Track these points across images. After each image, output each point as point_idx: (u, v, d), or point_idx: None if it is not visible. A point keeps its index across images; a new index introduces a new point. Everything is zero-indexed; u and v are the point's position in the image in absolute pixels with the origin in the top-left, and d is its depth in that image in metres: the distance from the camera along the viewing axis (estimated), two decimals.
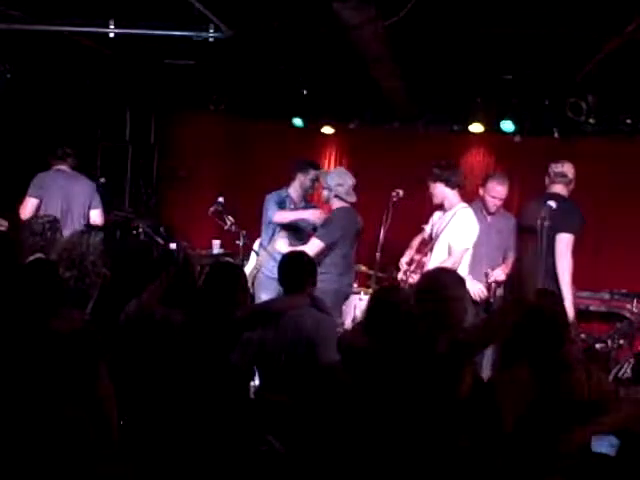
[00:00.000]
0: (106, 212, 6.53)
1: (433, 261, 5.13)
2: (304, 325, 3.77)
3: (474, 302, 5.07)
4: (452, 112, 7.66)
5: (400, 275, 5.32)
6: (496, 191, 5.33)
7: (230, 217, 6.44)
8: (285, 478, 3.16)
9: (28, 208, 5.87)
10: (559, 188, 5.51)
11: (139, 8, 5.03)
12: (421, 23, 4.77)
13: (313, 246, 5.37)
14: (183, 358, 3.51)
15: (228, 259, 7.48)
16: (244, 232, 6.53)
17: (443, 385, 3.07)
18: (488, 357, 4.93)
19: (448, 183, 5.21)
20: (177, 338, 3.54)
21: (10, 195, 6.15)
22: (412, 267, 5.31)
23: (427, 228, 5.55)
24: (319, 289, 5.14)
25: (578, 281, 5.85)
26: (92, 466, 2.80)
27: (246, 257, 6.61)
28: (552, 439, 2.84)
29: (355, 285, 6.97)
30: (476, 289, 5.16)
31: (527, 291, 4.85)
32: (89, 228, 5.74)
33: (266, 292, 5.63)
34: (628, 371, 5.66)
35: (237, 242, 6.64)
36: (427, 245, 5.34)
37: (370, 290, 6.21)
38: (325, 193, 5.64)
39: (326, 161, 8.57)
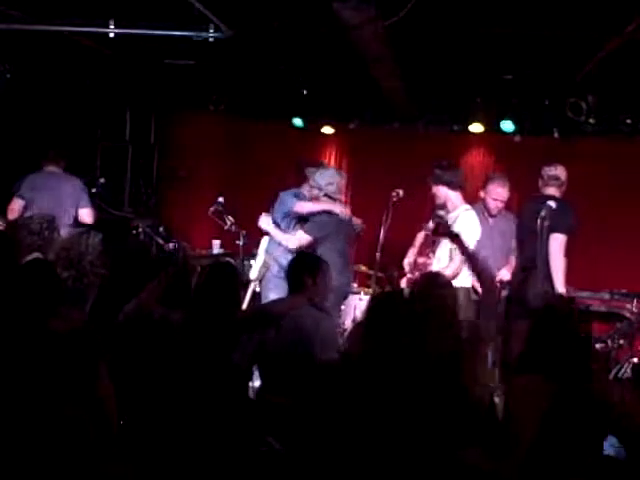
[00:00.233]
0: (102, 212, 6.54)
1: (435, 265, 5.13)
2: (303, 325, 3.78)
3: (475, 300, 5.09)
4: (452, 112, 7.66)
5: (409, 275, 5.29)
6: (497, 193, 5.32)
7: (230, 217, 6.45)
8: (285, 478, 3.15)
9: (15, 209, 5.93)
10: (552, 190, 5.53)
11: (139, 8, 5.03)
12: (421, 23, 4.77)
13: (299, 238, 5.46)
14: (182, 358, 3.51)
15: (228, 259, 7.49)
16: (244, 232, 6.54)
17: (448, 387, 3.06)
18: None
19: (450, 185, 5.20)
20: (176, 338, 3.54)
21: (10, 195, 6.16)
22: (417, 270, 5.29)
23: (430, 225, 5.52)
24: None
25: (578, 281, 5.86)
26: (92, 466, 2.80)
27: (246, 257, 6.62)
28: (569, 451, 2.80)
29: (355, 285, 6.98)
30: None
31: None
32: (88, 228, 5.76)
33: (274, 292, 5.60)
34: (628, 371, 5.66)
35: (237, 242, 6.64)
36: (428, 246, 5.33)
37: (370, 290, 6.21)
38: (315, 192, 5.65)
39: (326, 161, 8.56)
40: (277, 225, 5.86)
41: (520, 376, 3.02)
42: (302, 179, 6.05)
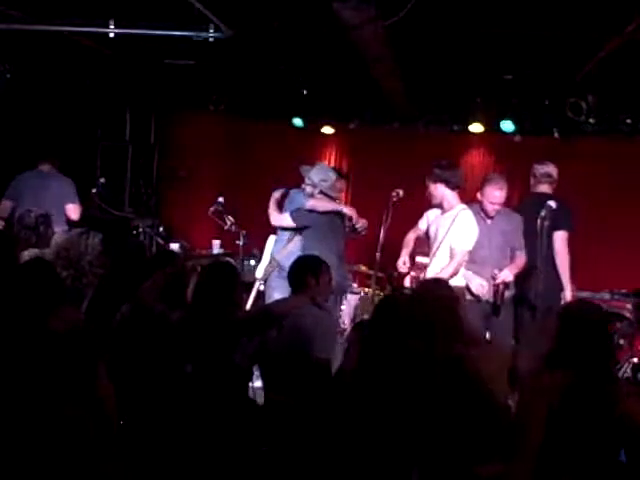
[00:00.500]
0: (102, 212, 6.54)
1: (436, 264, 5.13)
2: (304, 324, 3.79)
3: (477, 299, 5.09)
4: (452, 112, 7.66)
5: (413, 273, 5.27)
6: (494, 197, 5.23)
7: (230, 217, 6.45)
8: (284, 478, 3.16)
9: (2, 209, 5.99)
10: (545, 188, 5.64)
11: (139, 8, 5.03)
12: (421, 23, 4.76)
13: (283, 219, 5.65)
14: (181, 357, 3.51)
15: (229, 259, 7.49)
16: (244, 232, 6.54)
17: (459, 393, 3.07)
18: None
19: (449, 184, 5.19)
20: (175, 337, 3.54)
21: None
22: (417, 269, 5.28)
23: (421, 225, 5.53)
24: None
25: (578, 281, 5.85)
26: (92, 465, 2.80)
27: (246, 257, 6.62)
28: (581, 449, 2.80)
29: (355, 285, 6.99)
30: (476, 284, 5.14)
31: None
32: (87, 228, 5.78)
33: (278, 291, 5.61)
34: (628, 371, 5.66)
35: (237, 242, 6.64)
36: (424, 244, 5.33)
37: (370, 290, 6.22)
38: (309, 189, 5.66)
39: (326, 161, 8.56)
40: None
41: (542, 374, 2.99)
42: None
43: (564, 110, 6.82)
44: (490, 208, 5.26)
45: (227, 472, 3.24)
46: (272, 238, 6.02)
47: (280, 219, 5.76)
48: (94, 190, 6.71)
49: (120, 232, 7.63)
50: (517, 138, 7.54)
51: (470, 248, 5.08)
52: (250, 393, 4.00)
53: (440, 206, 5.28)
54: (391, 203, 5.56)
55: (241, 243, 6.56)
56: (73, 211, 6.21)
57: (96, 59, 6.84)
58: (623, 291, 6.64)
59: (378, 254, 5.58)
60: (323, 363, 3.77)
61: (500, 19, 4.97)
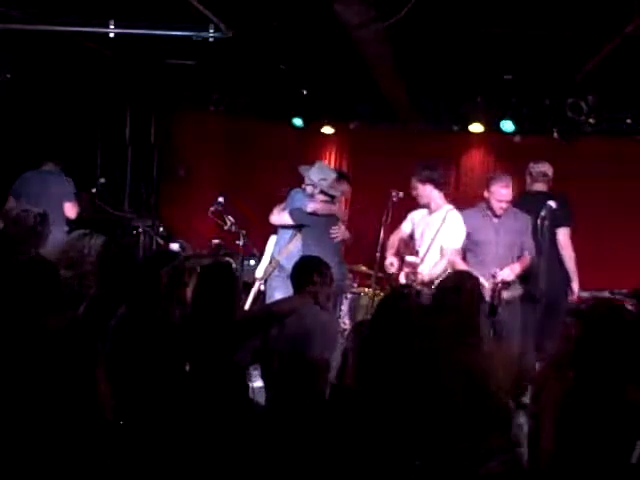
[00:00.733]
0: (102, 212, 6.55)
1: (427, 263, 5.16)
2: (305, 324, 3.79)
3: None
4: (452, 112, 7.66)
5: (406, 269, 5.26)
6: (501, 194, 5.22)
7: (230, 217, 6.45)
8: (283, 477, 3.15)
9: (7, 206, 5.94)
10: (541, 186, 5.72)
11: (139, 8, 5.03)
12: (421, 23, 4.77)
13: (282, 218, 5.69)
14: (180, 358, 3.50)
15: (228, 259, 7.49)
16: (244, 232, 6.54)
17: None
18: None
19: (437, 184, 5.28)
20: (175, 337, 3.53)
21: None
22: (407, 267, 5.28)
23: (405, 227, 5.56)
24: None
25: (578, 281, 5.86)
26: (92, 464, 2.81)
27: (246, 257, 6.62)
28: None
29: (355, 285, 6.98)
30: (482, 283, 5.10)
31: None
32: (91, 230, 5.81)
33: (279, 290, 5.62)
34: None
35: (237, 242, 6.64)
36: (412, 246, 5.34)
37: (370, 290, 6.21)
38: (309, 189, 5.69)
39: (326, 161, 8.56)
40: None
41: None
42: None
43: (564, 110, 6.82)
44: (497, 206, 5.23)
45: (227, 472, 3.23)
46: (273, 238, 6.03)
47: (279, 218, 5.79)
48: (94, 190, 6.70)
49: (120, 232, 7.64)
50: (517, 138, 7.54)
51: (459, 246, 5.17)
52: (250, 393, 4.01)
53: (427, 206, 5.34)
54: (391, 203, 5.57)
55: (241, 243, 6.56)
56: (70, 209, 6.28)
57: (96, 59, 6.84)
58: (623, 291, 6.63)
59: (378, 254, 5.58)
60: (324, 363, 3.78)
61: (500, 19, 4.98)
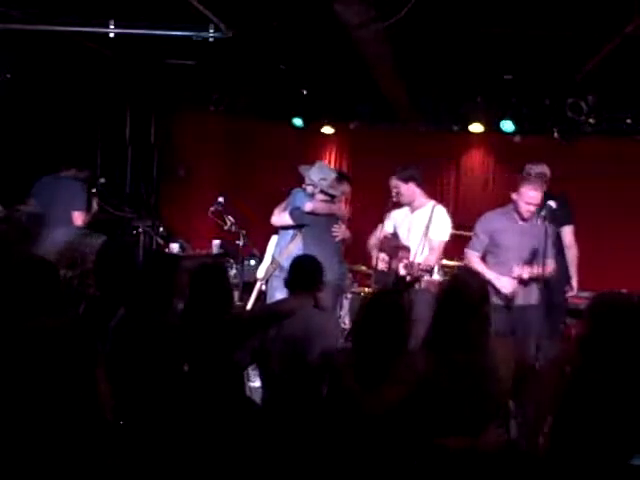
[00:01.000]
0: (102, 212, 6.59)
1: (421, 258, 5.22)
2: (303, 325, 3.78)
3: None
4: (452, 112, 7.65)
5: (405, 260, 5.27)
6: (529, 197, 5.14)
7: (230, 217, 6.45)
8: (281, 477, 3.15)
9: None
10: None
11: (139, 8, 5.03)
12: (421, 23, 4.76)
13: (282, 218, 5.76)
14: (178, 358, 3.50)
15: (228, 259, 7.49)
16: (244, 232, 6.55)
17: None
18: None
19: (418, 182, 5.42)
20: (171, 338, 3.53)
21: (9, 194, 6.16)
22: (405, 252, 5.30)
23: (388, 227, 5.59)
24: None
25: (578, 281, 5.86)
26: (92, 464, 2.81)
27: (246, 257, 6.62)
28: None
29: (355, 285, 6.99)
30: (503, 283, 5.09)
31: None
32: (91, 230, 5.87)
33: (280, 291, 5.62)
34: None
35: (237, 242, 6.65)
36: (398, 244, 5.38)
37: (370, 290, 6.22)
38: (309, 189, 5.72)
39: (326, 161, 8.56)
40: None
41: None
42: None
43: (564, 110, 6.82)
44: (525, 209, 5.16)
45: (225, 472, 3.24)
46: (274, 238, 6.04)
47: (280, 219, 5.82)
48: (94, 190, 6.72)
49: (120, 232, 7.64)
50: (517, 138, 7.54)
51: (447, 239, 5.37)
52: (248, 393, 4.01)
53: (409, 204, 5.46)
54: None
55: (241, 243, 6.57)
56: (77, 218, 6.30)
57: (96, 59, 6.84)
58: (623, 291, 6.63)
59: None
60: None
61: (500, 19, 4.97)
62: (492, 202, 8.19)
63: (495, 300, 5.04)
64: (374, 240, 5.63)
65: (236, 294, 6.90)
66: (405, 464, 3.06)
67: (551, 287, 5.29)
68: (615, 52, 5.13)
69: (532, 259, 5.18)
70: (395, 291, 4.34)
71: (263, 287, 5.99)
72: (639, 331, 2.86)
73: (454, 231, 7.25)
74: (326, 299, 5.09)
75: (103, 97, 7.88)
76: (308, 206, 5.67)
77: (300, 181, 5.91)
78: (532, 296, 5.11)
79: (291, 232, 5.85)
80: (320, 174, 5.72)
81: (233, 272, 7.21)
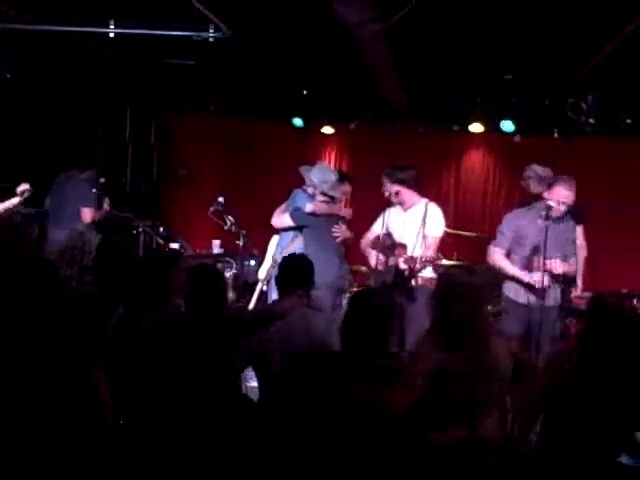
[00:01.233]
0: None
1: (418, 249, 5.27)
2: (299, 325, 3.77)
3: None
4: (452, 112, 7.65)
5: (405, 256, 5.28)
6: (562, 196, 5.09)
7: (230, 217, 6.45)
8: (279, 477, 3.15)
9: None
10: (541, 189, 5.62)
11: (139, 8, 5.03)
12: (421, 23, 4.76)
13: (283, 220, 5.78)
14: (177, 358, 3.49)
15: (229, 259, 7.49)
16: (244, 232, 6.54)
17: None
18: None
19: (408, 185, 5.46)
20: (169, 338, 3.52)
21: (8, 194, 6.16)
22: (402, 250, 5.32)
23: (377, 227, 5.60)
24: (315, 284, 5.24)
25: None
26: (91, 464, 2.81)
27: (246, 257, 6.61)
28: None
29: (355, 285, 6.98)
30: (535, 278, 5.05)
31: None
32: (87, 228, 5.89)
33: None
34: None
35: (237, 242, 6.65)
36: (394, 242, 5.40)
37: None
38: (310, 190, 5.74)
39: (326, 161, 8.56)
40: None
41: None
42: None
43: (564, 110, 6.82)
44: (555, 209, 5.10)
45: (226, 472, 3.24)
46: (275, 239, 6.04)
47: (280, 221, 5.83)
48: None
49: (120, 232, 7.63)
50: (517, 138, 7.54)
51: (441, 236, 5.41)
52: (244, 390, 4.00)
53: (400, 204, 5.50)
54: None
55: (241, 243, 6.56)
56: (85, 214, 6.44)
57: (96, 59, 6.84)
58: (623, 291, 6.63)
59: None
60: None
61: (500, 19, 4.97)
62: (492, 202, 8.25)
63: (519, 298, 5.09)
64: (366, 241, 5.67)
65: (236, 294, 6.91)
66: (405, 464, 3.06)
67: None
68: (615, 52, 5.13)
69: (559, 257, 5.18)
70: (381, 289, 4.32)
71: (264, 287, 5.99)
72: (634, 332, 2.87)
73: (454, 231, 7.30)
74: (326, 299, 5.12)
75: (103, 97, 7.88)
76: (309, 207, 5.69)
77: (300, 181, 5.92)
78: (552, 297, 5.13)
79: (292, 232, 5.86)
80: (321, 176, 5.72)
81: (233, 272, 7.20)
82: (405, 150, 7.89)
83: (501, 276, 5.39)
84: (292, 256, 4.40)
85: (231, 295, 6.61)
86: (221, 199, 6.40)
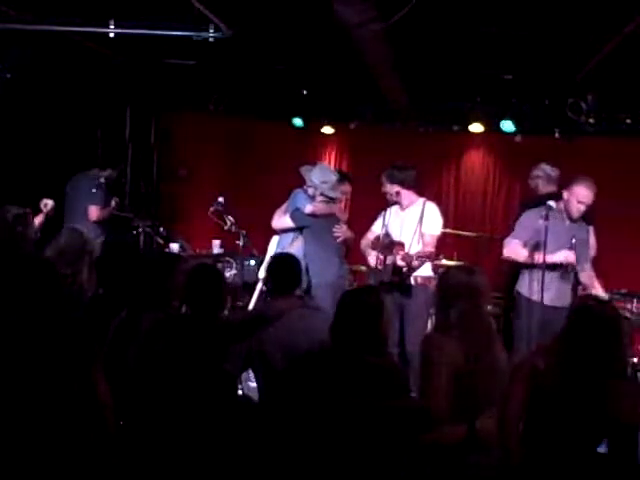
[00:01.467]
0: None
1: (415, 247, 5.30)
2: (300, 326, 3.76)
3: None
4: (452, 112, 7.65)
5: (402, 252, 5.29)
6: (584, 196, 5.08)
7: (230, 217, 6.45)
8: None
9: None
10: (552, 188, 5.79)
11: (139, 8, 5.03)
12: (421, 23, 4.77)
13: (283, 221, 5.80)
14: (172, 359, 3.48)
15: (229, 259, 7.49)
16: (244, 232, 6.54)
17: None
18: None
19: (405, 186, 5.49)
20: (167, 339, 3.51)
21: (8, 194, 6.16)
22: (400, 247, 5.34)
23: (377, 227, 5.63)
24: (315, 284, 5.25)
25: None
26: (91, 464, 2.81)
27: (246, 257, 6.61)
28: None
29: (355, 285, 6.98)
30: (562, 255, 5.05)
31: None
32: (90, 227, 5.92)
33: None
34: (628, 371, 5.66)
35: (237, 242, 6.65)
36: (392, 241, 5.42)
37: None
38: (310, 191, 5.75)
39: (326, 161, 8.56)
40: None
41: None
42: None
43: (564, 110, 6.82)
44: (575, 208, 5.12)
45: (226, 472, 3.24)
46: (275, 239, 6.05)
47: (281, 222, 5.84)
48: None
49: (120, 232, 7.64)
50: (517, 138, 7.54)
51: (439, 234, 5.46)
52: (247, 392, 3.99)
53: (397, 203, 5.55)
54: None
55: (241, 243, 6.56)
56: (92, 212, 6.59)
57: (96, 59, 6.84)
58: (623, 291, 6.63)
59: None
60: None
61: (500, 19, 4.97)
62: (492, 202, 8.24)
63: (533, 295, 5.07)
64: (365, 241, 5.69)
65: (236, 294, 6.90)
66: (405, 463, 3.07)
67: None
68: (615, 52, 5.13)
69: (580, 259, 5.17)
70: (370, 288, 4.31)
71: (264, 288, 5.99)
72: (609, 336, 2.91)
73: (454, 231, 7.30)
74: (326, 299, 5.13)
75: (103, 97, 7.88)
76: (308, 208, 5.70)
77: (300, 181, 5.92)
78: (566, 298, 5.13)
79: (292, 233, 5.86)
80: (321, 177, 5.73)
81: (233, 272, 7.21)
82: (405, 150, 7.88)
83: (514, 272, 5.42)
84: (284, 257, 4.36)
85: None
86: (221, 199, 6.41)
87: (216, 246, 8.04)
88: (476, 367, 3.16)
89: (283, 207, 5.95)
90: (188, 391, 3.37)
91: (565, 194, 5.20)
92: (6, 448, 2.69)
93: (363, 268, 6.96)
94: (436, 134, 7.95)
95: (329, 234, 5.72)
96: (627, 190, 7.28)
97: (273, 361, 3.72)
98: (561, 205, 5.21)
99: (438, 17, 4.97)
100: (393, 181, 5.52)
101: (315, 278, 5.61)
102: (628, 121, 6.93)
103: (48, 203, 5.74)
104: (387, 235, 5.51)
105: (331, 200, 5.79)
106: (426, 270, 5.32)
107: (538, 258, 5.05)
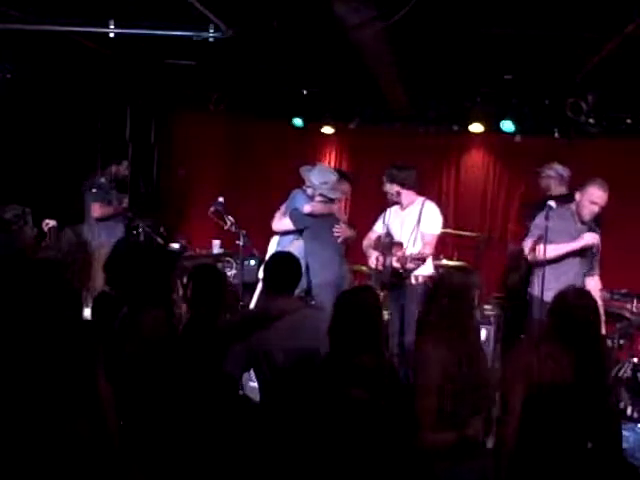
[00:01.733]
0: None
1: (411, 247, 5.34)
2: (303, 326, 3.76)
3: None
4: (452, 112, 7.65)
5: (398, 253, 5.30)
6: (598, 196, 5.06)
7: (230, 217, 6.45)
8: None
9: None
10: (564, 189, 5.91)
11: (139, 8, 5.02)
12: (421, 23, 4.76)
13: (283, 223, 5.86)
14: (171, 360, 3.49)
15: (229, 259, 7.49)
16: (244, 232, 6.54)
17: None
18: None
19: (405, 186, 5.53)
20: (166, 340, 3.52)
21: (8, 194, 6.16)
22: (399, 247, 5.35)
23: (378, 227, 5.65)
24: (316, 284, 5.26)
25: None
26: (91, 464, 2.81)
27: (246, 257, 6.61)
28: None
29: (355, 285, 6.98)
30: (590, 237, 5.07)
31: None
32: (92, 227, 5.96)
33: None
34: (628, 371, 5.66)
35: (237, 242, 6.65)
36: (392, 241, 5.45)
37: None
38: (310, 191, 5.76)
39: (326, 161, 8.56)
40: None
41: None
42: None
43: (564, 110, 6.81)
44: (587, 210, 5.09)
45: (226, 472, 3.24)
46: (275, 239, 6.05)
47: (280, 224, 5.86)
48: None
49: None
50: (517, 138, 7.54)
51: (438, 233, 5.50)
52: (249, 392, 3.99)
53: (398, 203, 5.59)
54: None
55: (241, 243, 6.56)
56: (95, 209, 6.75)
57: (96, 59, 6.83)
58: (623, 291, 6.64)
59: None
60: None
61: (500, 19, 4.97)
62: (492, 202, 8.24)
63: (547, 295, 5.05)
64: (367, 241, 5.69)
65: (236, 294, 6.90)
66: (398, 465, 3.07)
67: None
68: (615, 52, 5.13)
69: (586, 266, 5.16)
70: (367, 288, 4.32)
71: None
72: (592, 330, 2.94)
73: (454, 231, 7.29)
74: (327, 298, 5.14)
75: (103, 97, 7.88)
76: (307, 208, 5.72)
77: (300, 181, 5.93)
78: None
79: (292, 233, 5.87)
80: (321, 177, 5.75)
81: (233, 272, 7.21)
82: (405, 150, 7.88)
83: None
84: (282, 256, 4.35)
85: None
86: (221, 199, 6.41)
87: (216, 246, 8.06)
88: (467, 369, 3.17)
89: (282, 209, 5.95)
90: (188, 391, 3.37)
91: (577, 195, 5.15)
92: (8, 446, 2.69)
93: (364, 268, 6.97)
94: (436, 134, 7.95)
95: (329, 234, 5.72)
96: (627, 190, 7.27)
97: (277, 361, 3.72)
98: (573, 207, 5.18)
99: (438, 17, 4.97)
100: (393, 181, 5.54)
101: (316, 278, 5.62)
102: (628, 121, 6.94)
103: (50, 223, 5.70)
104: (388, 234, 5.52)
105: (330, 200, 5.80)
106: (427, 269, 5.33)
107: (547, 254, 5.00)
